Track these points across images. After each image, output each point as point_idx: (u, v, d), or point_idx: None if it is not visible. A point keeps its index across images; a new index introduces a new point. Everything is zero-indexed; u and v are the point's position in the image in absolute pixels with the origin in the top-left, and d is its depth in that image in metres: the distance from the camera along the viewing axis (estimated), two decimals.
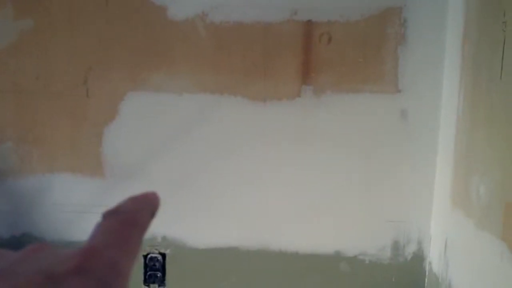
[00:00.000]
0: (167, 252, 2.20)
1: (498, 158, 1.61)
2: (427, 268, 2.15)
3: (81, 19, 2.10)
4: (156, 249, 2.20)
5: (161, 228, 2.20)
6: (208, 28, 2.07)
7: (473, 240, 1.76)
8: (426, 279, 2.15)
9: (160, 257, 2.20)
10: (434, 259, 2.11)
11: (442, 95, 2.06)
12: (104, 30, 2.10)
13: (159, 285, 2.21)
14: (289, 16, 2.05)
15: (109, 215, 0.51)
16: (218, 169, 2.14)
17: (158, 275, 2.21)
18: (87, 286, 0.43)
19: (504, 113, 1.59)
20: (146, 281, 2.21)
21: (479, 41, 1.78)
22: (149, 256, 2.20)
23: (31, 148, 2.17)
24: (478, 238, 1.71)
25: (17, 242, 2.17)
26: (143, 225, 0.52)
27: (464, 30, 1.90)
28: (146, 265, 2.20)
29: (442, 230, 2.05)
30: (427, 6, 2.03)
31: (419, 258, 2.16)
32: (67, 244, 2.17)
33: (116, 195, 2.07)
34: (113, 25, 2.09)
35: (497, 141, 1.63)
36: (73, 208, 2.18)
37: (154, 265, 2.20)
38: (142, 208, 0.53)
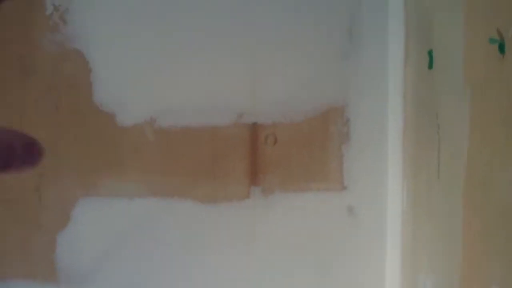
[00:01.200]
0: None
1: (441, 256, 1.65)
2: None
3: (31, 124, 2.12)
4: None
5: None
6: (157, 133, 2.11)
7: None
8: None
9: None
10: None
11: (387, 191, 2.10)
12: (54, 136, 2.12)
13: None
14: (235, 120, 2.10)
15: None
16: (171, 272, 2.15)
17: None
18: None
19: (442, 212, 1.63)
20: None
21: (417, 140, 1.84)
22: None
23: None
24: None
25: None
26: None
27: (404, 128, 1.96)
28: None
29: None
30: (368, 106, 2.09)
31: None
32: None
33: None
34: (63, 131, 2.12)
35: (439, 239, 1.67)
36: None
37: None
38: None
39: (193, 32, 2.11)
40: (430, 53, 1.73)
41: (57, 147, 2.14)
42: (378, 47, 2.10)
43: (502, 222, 1.27)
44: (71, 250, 2.17)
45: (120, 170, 2.13)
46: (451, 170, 1.58)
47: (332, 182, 2.11)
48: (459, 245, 1.52)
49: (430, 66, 1.73)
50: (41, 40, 2.12)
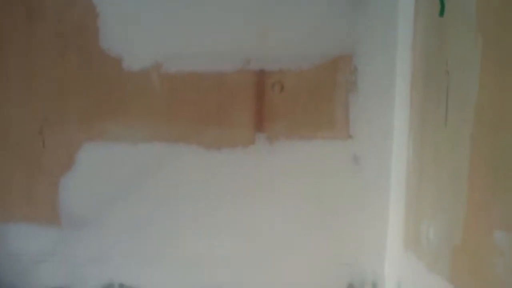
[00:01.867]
0: None
1: (445, 202, 1.64)
2: None
3: (37, 70, 2.11)
4: None
5: (118, 276, 2.19)
6: (163, 79, 2.09)
7: (424, 282, 1.79)
8: None
9: None
10: None
11: (393, 141, 2.10)
12: (60, 81, 2.12)
13: None
14: (242, 66, 2.08)
15: None
16: (174, 217, 2.16)
17: None
18: None
19: (449, 159, 1.62)
20: None
21: (425, 89, 1.82)
22: None
23: None
24: (429, 280, 1.74)
25: None
26: None
27: (412, 78, 1.95)
28: None
29: (396, 273, 2.07)
30: (376, 55, 2.08)
31: None
32: None
33: (73, 244, 2.10)
34: (69, 76, 2.11)
35: (444, 186, 1.66)
36: (29, 258, 2.17)
37: None
38: None
39: None
40: (441, 0, 1.71)
41: (63, 91, 2.13)
42: None
43: (509, 168, 1.27)
44: (74, 194, 2.16)
45: (125, 115, 2.12)
46: (459, 117, 1.56)
47: (338, 131, 2.10)
48: (463, 192, 1.52)
49: (441, 13, 1.71)
50: None
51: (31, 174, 2.16)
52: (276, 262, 2.18)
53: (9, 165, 2.16)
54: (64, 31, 2.11)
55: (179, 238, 2.18)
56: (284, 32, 2.09)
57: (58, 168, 2.15)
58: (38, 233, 2.18)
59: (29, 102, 2.12)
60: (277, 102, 2.09)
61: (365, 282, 2.17)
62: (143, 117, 2.12)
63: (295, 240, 2.16)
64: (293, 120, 2.10)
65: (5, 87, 2.12)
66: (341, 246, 2.16)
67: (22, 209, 2.18)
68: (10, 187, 2.17)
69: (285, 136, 2.11)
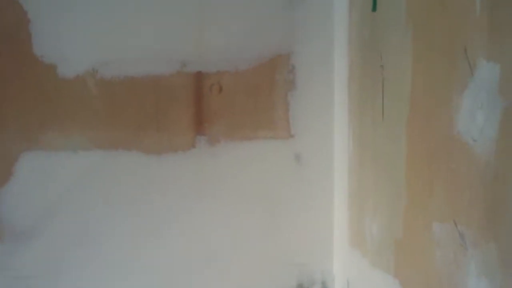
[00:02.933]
0: None
1: (385, 197, 1.65)
2: None
3: None
4: None
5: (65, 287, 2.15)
6: (99, 85, 2.07)
7: (370, 279, 1.80)
8: None
9: None
10: None
11: (334, 138, 2.10)
12: None
13: None
14: (179, 68, 2.07)
15: None
16: (117, 225, 2.12)
17: None
18: None
19: (387, 153, 1.63)
20: None
21: (362, 84, 1.84)
22: None
23: None
24: (374, 276, 1.75)
25: None
26: None
27: (349, 74, 1.95)
28: None
29: (343, 271, 2.08)
30: (314, 52, 2.08)
31: None
32: None
33: (16, 258, 2.05)
34: (3, 84, 2.06)
35: (383, 181, 1.67)
36: None
37: None
38: None
39: None
40: None
41: None
42: None
43: (444, 157, 1.28)
44: (15, 207, 2.12)
45: (63, 123, 2.09)
46: (394, 109, 1.58)
47: (279, 130, 2.10)
48: (402, 185, 1.53)
49: (374, 8, 1.72)
50: None
51: None
52: (224, 265, 2.16)
53: None
54: None
55: (124, 246, 2.14)
56: (220, 33, 2.08)
57: None
58: None
59: None
60: (216, 104, 2.08)
61: (314, 282, 2.17)
62: (81, 124, 2.08)
63: (241, 243, 2.15)
64: (233, 121, 2.09)
65: None
66: (289, 246, 2.16)
67: None
68: None
69: (226, 137, 2.10)
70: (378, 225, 1.72)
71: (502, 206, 1.04)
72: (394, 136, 1.57)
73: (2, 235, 2.12)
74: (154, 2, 2.07)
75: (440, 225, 1.30)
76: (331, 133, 2.10)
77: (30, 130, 2.08)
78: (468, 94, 1.15)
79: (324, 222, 2.13)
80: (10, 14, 2.05)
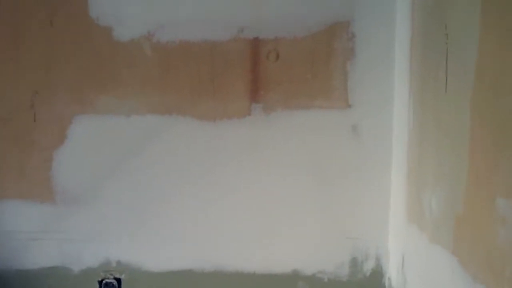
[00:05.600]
0: (122, 277, 2.16)
1: (447, 171, 1.60)
2: (386, 284, 2.13)
3: (25, 40, 2.07)
4: (111, 274, 2.16)
5: (115, 253, 2.16)
6: (155, 48, 2.05)
7: (427, 255, 1.75)
8: None
9: (115, 282, 2.16)
10: (393, 275, 2.09)
11: (393, 109, 2.04)
12: (49, 52, 2.07)
13: None
14: (236, 34, 2.03)
15: None
16: (170, 191, 2.12)
17: None
18: None
19: (450, 126, 1.58)
20: None
21: (425, 54, 1.77)
22: (104, 281, 2.16)
23: None
24: (432, 252, 1.70)
25: None
26: None
27: (411, 43, 1.89)
28: None
29: (399, 246, 2.03)
30: (375, 20, 2.02)
31: (378, 274, 2.14)
32: (18, 273, 2.13)
33: (68, 221, 2.06)
34: (58, 47, 2.07)
35: (445, 154, 1.61)
36: (24, 236, 2.14)
37: None
38: None
39: None
40: None
41: (52, 63, 2.08)
42: None
43: (510, 133, 1.21)
44: (68, 170, 2.13)
45: (116, 87, 2.08)
46: (459, 82, 1.51)
47: (336, 100, 2.05)
48: (465, 159, 1.47)
49: None
50: None
51: (23, 150, 2.12)
52: (277, 236, 2.14)
53: (0, 141, 2.12)
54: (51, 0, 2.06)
55: (176, 212, 2.14)
56: None
57: (50, 143, 2.11)
58: (31, 211, 2.15)
59: (18, 75, 2.08)
60: (272, 71, 2.04)
61: (368, 256, 2.13)
62: (135, 88, 2.08)
63: (295, 214, 2.12)
64: (290, 90, 2.05)
65: None
66: (343, 219, 2.12)
67: (15, 186, 2.14)
68: (1, 164, 2.14)
69: (282, 106, 2.06)
70: (438, 200, 1.66)
71: None
72: (458, 109, 1.51)
73: (55, 197, 2.14)
74: None
75: (505, 201, 1.24)
76: (390, 105, 2.04)
77: (83, 93, 2.09)
78: None
79: (381, 196, 2.08)
80: None
